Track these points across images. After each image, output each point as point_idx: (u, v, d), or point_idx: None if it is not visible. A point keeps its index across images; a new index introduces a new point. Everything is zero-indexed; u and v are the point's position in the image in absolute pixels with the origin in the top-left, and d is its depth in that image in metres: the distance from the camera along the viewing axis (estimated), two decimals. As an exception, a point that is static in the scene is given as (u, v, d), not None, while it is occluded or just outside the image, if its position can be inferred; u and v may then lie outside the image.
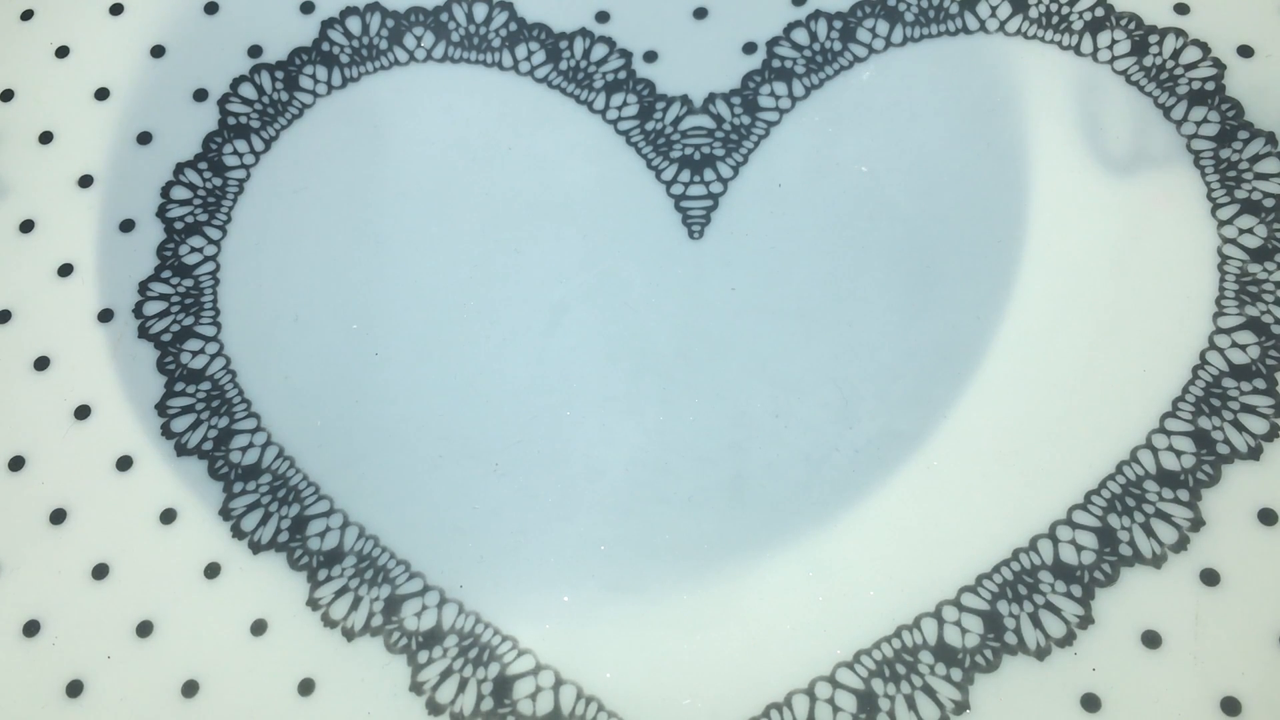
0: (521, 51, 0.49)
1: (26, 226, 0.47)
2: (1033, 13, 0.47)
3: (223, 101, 0.49)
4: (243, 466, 0.42)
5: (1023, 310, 0.43)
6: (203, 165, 0.48)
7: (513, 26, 0.49)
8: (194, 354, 0.44)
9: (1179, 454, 0.40)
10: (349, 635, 0.40)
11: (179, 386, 0.44)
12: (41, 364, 0.45)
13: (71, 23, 0.51)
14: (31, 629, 0.40)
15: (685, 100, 0.47)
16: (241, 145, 0.48)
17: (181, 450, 0.43)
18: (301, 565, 0.41)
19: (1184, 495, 0.39)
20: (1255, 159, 0.44)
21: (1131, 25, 0.47)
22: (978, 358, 0.42)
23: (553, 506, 0.41)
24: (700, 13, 0.49)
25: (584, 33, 0.49)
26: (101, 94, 0.50)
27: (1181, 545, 0.39)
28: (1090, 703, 0.37)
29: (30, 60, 0.51)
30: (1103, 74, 0.46)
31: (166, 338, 0.45)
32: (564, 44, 0.49)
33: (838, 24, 0.48)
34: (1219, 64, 0.46)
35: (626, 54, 0.48)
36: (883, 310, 0.43)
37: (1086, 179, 0.45)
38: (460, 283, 0.45)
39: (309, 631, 0.40)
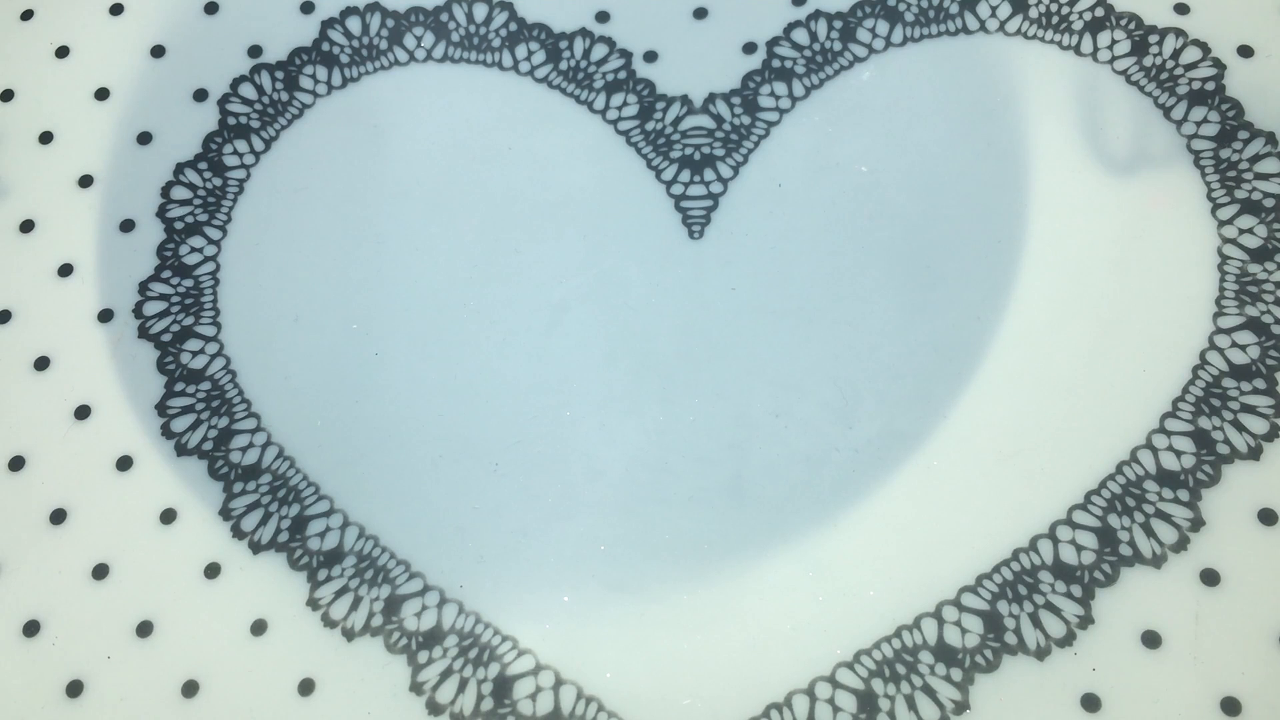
0: (521, 51, 0.49)
1: (26, 226, 0.47)
2: (1033, 13, 0.48)
3: (223, 101, 0.49)
4: (243, 466, 0.42)
5: (1023, 310, 0.43)
6: (203, 165, 0.48)
7: (513, 26, 0.49)
8: (194, 354, 0.44)
9: (1179, 454, 0.40)
10: (349, 635, 0.40)
11: (179, 386, 0.44)
12: (41, 364, 0.45)
13: (71, 23, 0.51)
14: (31, 629, 0.40)
15: (685, 100, 0.47)
16: (241, 145, 0.48)
17: (181, 450, 0.43)
18: (301, 565, 0.41)
19: (1184, 495, 0.39)
20: (1255, 159, 0.44)
21: (1131, 25, 0.47)
22: (978, 358, 0.42)
23: (553, 506, 0.41)
24: (700, 13, 0.49)
25: (584, 33, 0.49)
26: (101, 94, 0.50)
27: (1181, 545, 0.39)
28: (1090, 703, 0.37)
29: (30, 60, 0.51)
30: (1103, 74, 0.46)
31: (166, 338, 0.45)
32: (564, 44, 0.49)
33: (838, 24, 0.48)
34: (1219, 64, 0.46)
35: (626, 54, 0.48)
36: (883, 310, 0.43)
37: (1086, 179, 0.45)
38: (460, 283, 0.45)
39: (309, 631, 0.40)
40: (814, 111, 0.47)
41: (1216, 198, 0.44)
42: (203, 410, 0.43)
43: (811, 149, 0.46)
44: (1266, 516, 0.39)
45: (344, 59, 0.49)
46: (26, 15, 0.52)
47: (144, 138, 0.49)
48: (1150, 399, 0.41)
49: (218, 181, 0.47)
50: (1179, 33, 0.47)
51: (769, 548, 0.40)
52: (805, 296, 0.44)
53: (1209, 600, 0.38)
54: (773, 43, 0.48)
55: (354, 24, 0.50)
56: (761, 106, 0.47)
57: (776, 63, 0.48)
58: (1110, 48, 0.47)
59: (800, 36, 0.48)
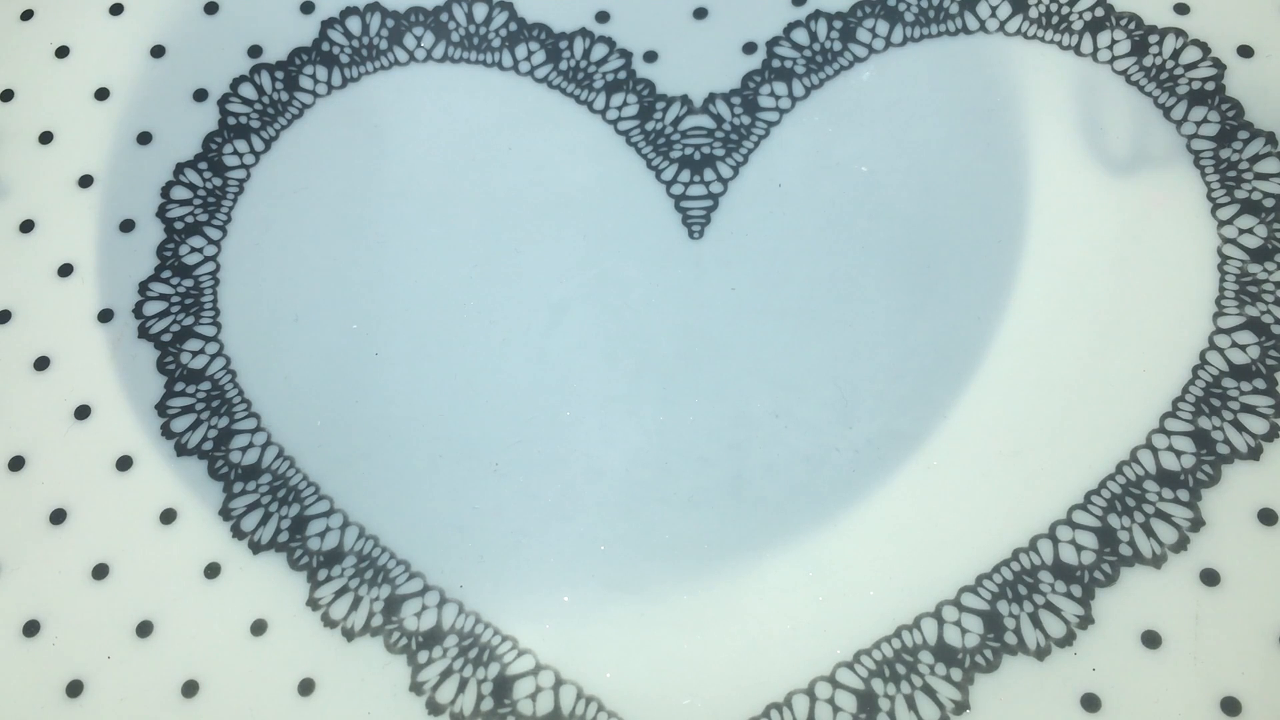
0: (521, 51, 0.49)
1: (26, 226, 0.47)
2: (1033, 13, 0.47)
3: (223, 101, 0.49)
4: (243, 466, 0.42)
5: (1023, 310, 0.43)
6: (203, 165, 0.48)
7: (513, 26, 0.49)
8: (194, 354, 0.44)
9: (1179, 454, 0.40)
10: (349, 635, 0.40)
11: (179, 386, 0.44)
12: (41, 364, 0.45)
13: (71, 23, 0.51)
14: (31, 629, 0.40)
15: (685, 100, 0.47)
16: (241, 145, 0.48)
17: (181, 450, 0.43)
18: (301, 565, 0.41)
19: (1184, 495, 0.39)
20: (1255, 159, 0.44)
21: (1131, 25, 0.47)
22: (978, 358, 0.42)
23: (553, 506, 0.41)
24: (700, 13, 0.49)
25: (584, 33, 0.49)
26: (101, 94, 0.50)
27: (1181, 545, 0.39)
28: (1090, 703, 0.37)
29: (30, 60, 0.51)
30: (1103, 74, 0.46)
31: (166, 338, 0.45)
32: (564, 44, 0.49)
33: (838, 24, 0.48)
34: (1219, 64, 0.46)
35: (626, 54, 0.48)
36: (883, 310, 0.43)
37: (1086, 179, 0.45)
38: (460, 283, 0.45)
39: (309, 631, 0.40)
40: (814, 111, 0.47)
41: (1216, 198, 0.44)
42: (203, 410, 0.43)
43: (811, 149, 0.46)
44: (1266, 516, 0.39)
45: (344, 59, 0.49)
46: (26, 15, 0.52)
47: (144, 138, 0.49)
48: (1150, 399, 0.41)
49: (218, 181, 0.47)
50: (1179, 33, 0.47)
51: (769, 548, 0.40)
52: (805, 296, 0.44)
53: (1209, 600, 0.38)
54: (773, 43, 0.48)
55: (354, 24, 0.50)
56: (761, 106, 0.47)
57: (776, 63, 0.48)
58: (1110, 48, 0.47)
59: (800, 36, 0.48)
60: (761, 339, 0.43)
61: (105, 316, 0.45)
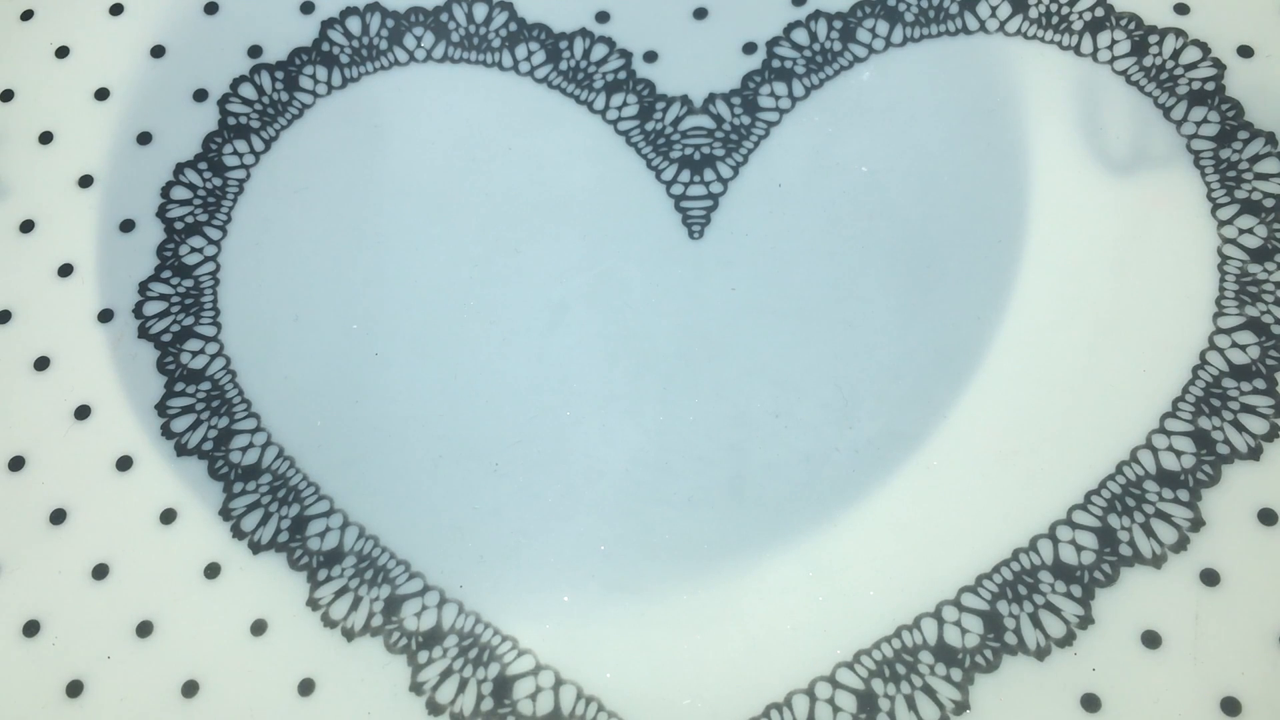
0: (521, 51, 0.49)
1: (26, 226, 0.47)
2: (1033, 13, 0.47)
3: (223, 101, 0.49)
4: (243, 466, 0.42)
5: (1023, 310, 0.43)
6: (203, 165, 0.48)
7: (513, 26, 0.49)
8: (194, 354, 0.44)
9: (1179, 454, 0.40)
10: (349, 635, 0.40)
11: (179, 386, 0.44)
12: (41, 364, 0.45)
13: (71, 23, 0.51)
14: (31, 629, 0.40)
15: (685, 100, 0.47)
16: (241, 145, 0.48)
17: (181, 450, 0.43)
18: (301, 565, 0.41)
19: (1184, 495, 0.39)
20: (1255, 159, 0.44)
21: (1131, 25, 0.47)
22: (978, 358, 0.42)
23: (553, 506, 0.41)
24: (700, 13, 0.49)
25: (584, 33, 0.49)
26: (101, 94, 0.50)
27: (1181, 545, 0.39)
28: (1090, 703, 0.37)
29: (30, 60, 0.51)
30: (1103, 74, 0.46)
31: (166, 338, 0.45)
32: (564, 44, 0.49)
33: (838, 24, 0.48)
34: (1219, 64, 0.46)
35: (626, 54, 0.48)
36: (883, 310, 0.43)
37: (1086, 179, 0.45)
38: (460, 283, 0.45)
39: (309, 631, 0.40)
40: (814, 111, 0.47)
41: (1216, 198, 0.44)
42: (203, 410, 0.43)
43: (811, 149, 0.46)
44: (1266, 516, 0.39)
45: (344, 59, 0.49)
46: (26, 15, 0.52)
47: (144, 138, 0.49)
48: (1150, 399, 0.41)
49: (218, 181, 0.47)
50: (1179, 33, 0.47)
51: (769, 548, 0.40)
52: (805, 296, 0.44)
53: (1209, 600, 0.38)
54: (773, 43, 0.48)
55: (354, 24, 0.50)
56: (761, 106, 0.47)
57: (776, 63, 0.48)
58: (1110, 48, 0.47)
59: (800, 36, 0.48)
60: (761, 339, 0.43)
61: (105, 316, 0.45)
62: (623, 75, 0.48)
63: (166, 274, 0.46)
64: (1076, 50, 0.47)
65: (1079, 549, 0.39)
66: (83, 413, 0.44)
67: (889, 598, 0.39)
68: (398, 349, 0.44)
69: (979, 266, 0.44)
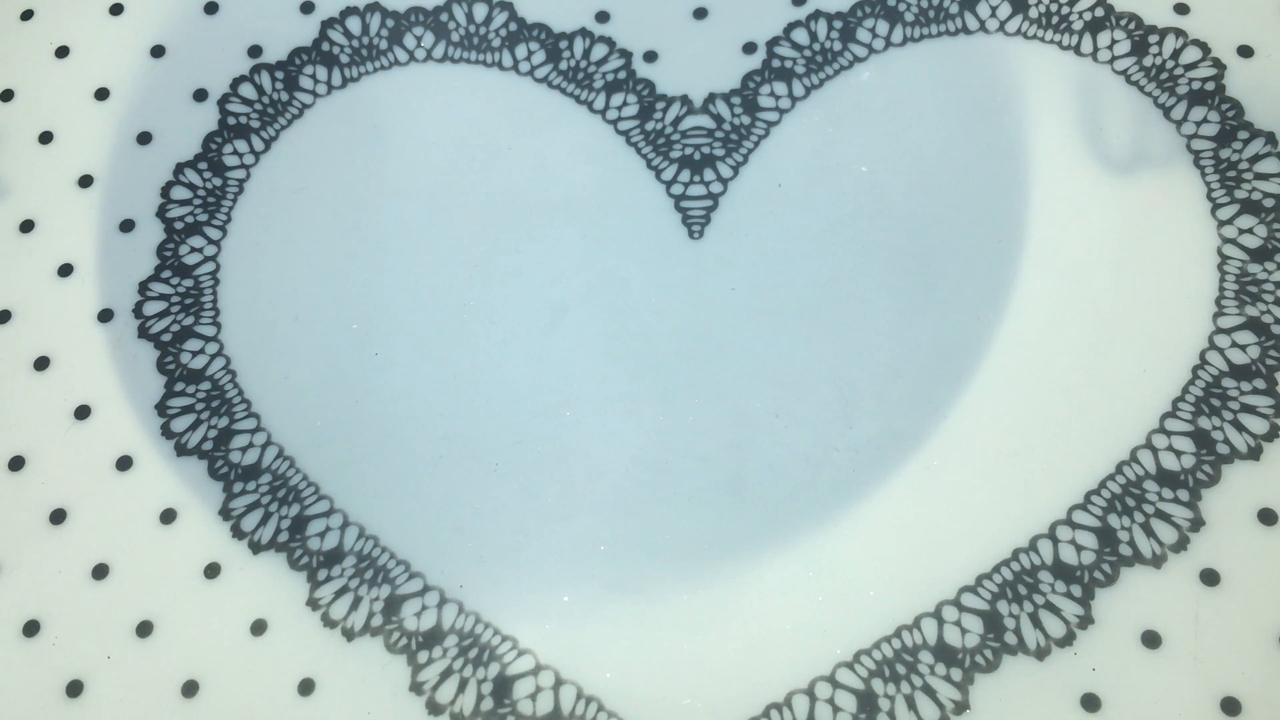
0: (521, 51, 0.49)
1: (26, 226, 0.47)
2: (1033, 13, 0.47)
3: (223, 101, 0.49)
4: (243, 466, 0.42)
5: (1023, 310, 0.43)
6: (203, 165, 0.48)
7: (513, 26, 0.49)
8: (194, 354, 0.44)
9: (1179, 454, 0.40)
10: (349, 635, 0.40)
11: (179, 386, 0.44)
12: (41, 364, 0.45)
13: (71, 23, 0.51)
14: (31, 629, 0.40)
15: (685, 100, 0.47)
16: (241, 145, 0.48)
17: (181, 450, 0.43)
18: (301, 565, 0.41)
19: (1184, 495, 0.39)
20: (1255, 159, 0.44)
21: (1131, 25, 0.47)
22: (978, 358, 0.42)
23: (553, 506, 0.41)
24: (700, 13, 0.49)
25: (584, 33, 0.49)
26: (101, 94, 0.50)
27: (1181, 545, 0.39)
28: (1090, 703, 0.37)
29: (30, 60, 0.51)
30: (1103, 74, 0.46)
31: (166, 338, 0.45)
32: (564, 44, 0.49)
33: (838, 24, 0.48)
34: (1219, 64, 0.46)
35: (626, 54, 0.48)
36: (883, 310, 0.43)
37: (1086, 179, 0.45)
38: (460, 283, 0.45)
39: (309, 631, 0.40)
40: (814, 111, 0.47)
41: (1216, 198, 0.44)
42: (203, 410, 0.43)
43: (811, 149, 0.46)
44: (1266, 516, 0.39)
45: (344, 59, 0.49)
46: (26, 15, 0.52)
47: (144, 138, 0.49)
48: (1150, 399, 0.41)
49: (218, 181, 0.47)
50: (1179, 33, 0.47)
51: (769, 548, 0.40)
52: (805, 296, 0.44)
53: (1209, 600, 0.38)
54: (773, 43, 0.48)
55: (354, 24, 0.50)
56: (761, 106, 0.47)
57: (776, 63, 0.48)
58: (1110, 48, 0.47)
59: (800, 36, 0.48)
60: (761, 339, 0.43)
61: (105, 316, 0.45)
62: (623, 75, 0.48)
63: (166, 274, 0.46)
64: (1076, 50, 0.47)
65: (1079, 549, 0.39)
66: (83, 413, 0.44)
67: (889, 598, 0.39)
68: (398, 349, 0.44)
69: (979, 266, 0.43)
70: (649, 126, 0.47)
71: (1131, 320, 0.42)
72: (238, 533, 0.41)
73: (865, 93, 0.47)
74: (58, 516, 0.42)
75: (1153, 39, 0.47)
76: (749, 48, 0.48)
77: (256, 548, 0.41)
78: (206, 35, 0.50)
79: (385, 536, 0.41)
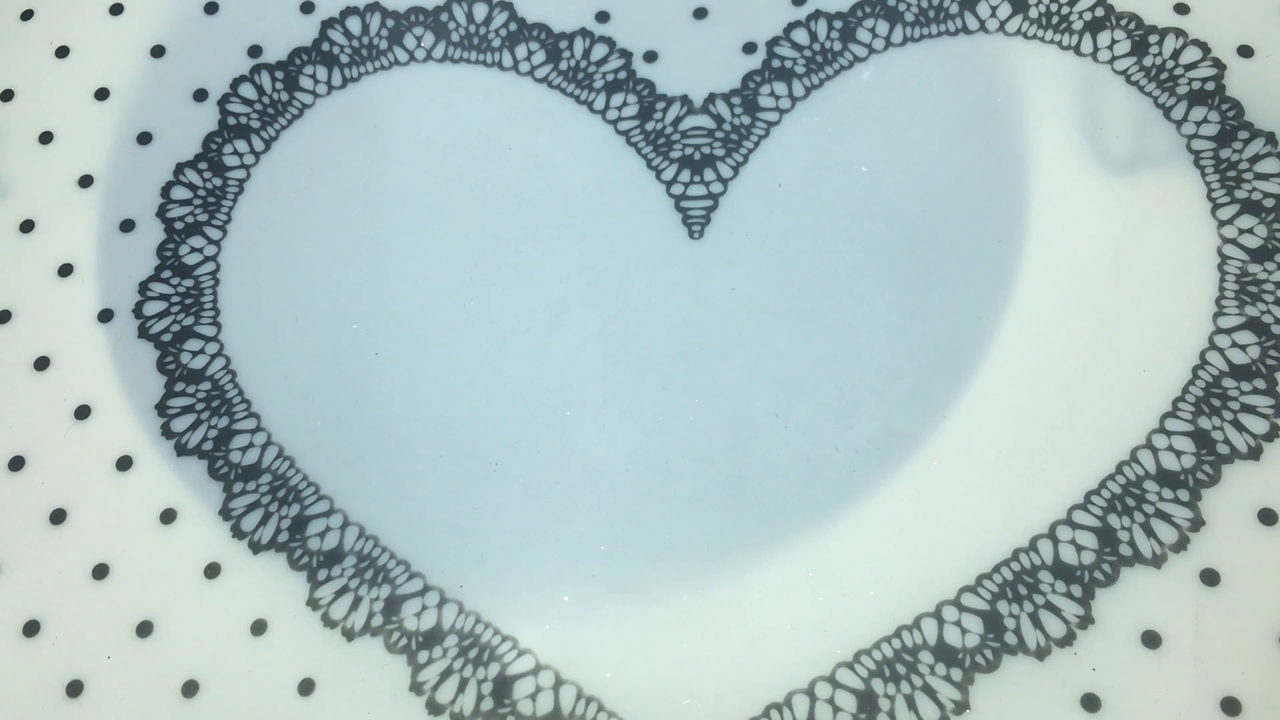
0: (521, 51, 0.49)
1: (26, 226, 0.47)
2: (1033, 13, 0.48)
3: (223, 101, 0.49)
4: (243, 466, 0.42)
5: (1023, 310, 0.43)
6: (203, 165, 0.48)
7: (513, 26, 0.49)
8: (194, 354, 0.44)
9: (1179, 454, 0.40)
10: (349, 635, 0.40)
11: (179, 386, 0.44)
12: (41, 364, 0.45)
13: (71, 23, 0.51)
14: (31, 629, 0.40)
15: (685, 100, 0.47)
16: (241, 145, 0.48)
17: (181, 450, 0.43)
18: (301, 565, 0.41)
19: (1184, 495, 0.39)
20: (1255, 159, 0.44)
21: (1131, 25, 0.47)
22: (978, 358, 0.42)
23: (553, 506, 0.41)
24: (700, 13, 0.49)
25: (584, 33, 0.49)
26: (101, 94, 0.50)
27: (1181, 545, 0.39)
28: (1090, 703, 0.37)
29: (30, 60, 0.51)
30: (1103, 74, 0.46)
31: (166, 338, 0.45)
32: (564, 44, 0.49)
33: (838, 24, 0.48)
34: (1219, 64, 0.46)
35: (626, 54, 0.48)
36: (883, 310, 0.43)
37: (1086, 179, 0.45)
38: (460, 283, 0.45)
39: (309, 631, 0.40)
40: (814, 111, 0.47)
41: (1216, 198, 0.44)
42: (203, 410, 0.43)
43: (811, 149, 0.46)
44: (1266, 516, 0.39)
45: (344, 59, 0.49)
46: (26, 15, 0.52)
47: (144, 138, 0.49)
48: (1150, 399, 0.41)
49: (218, 181, 0.47)
50: (1179, 33, 0.47)
51: (769, 548, 0.40)
52: (805, 296, 0.44)
53: (1209, 600, 0.38)
54: (773, 43, 0.48)
55: (354, 24, 0.50)
56: (761, 106, 0.47)
57: (776, 63, 0.48)
58: (1110, 48, 0.47)
59: (800, 36, 0.48)
60: (761, 339, 0.43)
61: (105, 316, 0.45)
62: (623, 75, 0.48)
63: (166, 274, 0.46)
64: (1076, 50, 0.47)
65: (1079, 549, 0.39)
66: (83, 413, 0.44)
67: (889, 598, 0.39)
68: (398, 349, 0.44)
69: (979, 266, 0.44)
70: (649, 126, 0.47)
71: (1131, 320, 0.42)
72: (238, 533, 0.41)
73: (865, 93, 0.47)
74: (58, 516, 0.42)
75: (1153, 39, 0.47)
76: (749, 48, 0.48)
77: (256, 548, 0.41)
78: (206, 35, 0.50)
79: (385, 536, 0.41)
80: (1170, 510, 0.39)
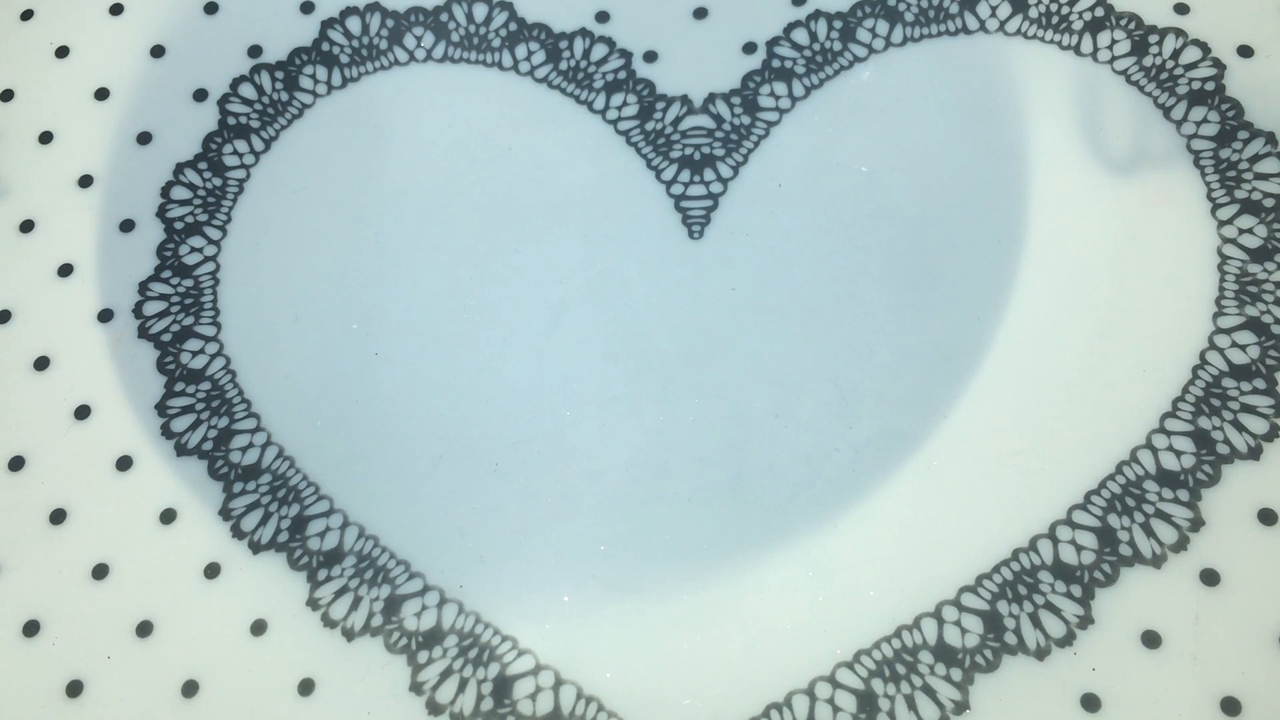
0: (521, 51, 0.49)
1: (26, 226, 0.47)
2: (1033, 13, 0.48)
3: (223, 101, 0.49)
4: (243, 466, 0.42)
5: (1023, 310, 0.43)
6: (203, 165, 0.48)
7: (513, 26, 0.49)
8: (194, 354, 0.44)
9: (1179, 454, 0.40)
10: (349, 635, 0.40)
11: (179, 386, 0.44)
12: (41, 364, 0.45)
13: (71, 23, 0.51)
14: (31, 629, 0.40)
15: (685, 100, 0.47)
16: (241, 145, 0.48)
17: (181, 450, 0.43)
18: (301, 565, 0.41)
19: (1184, 495, 0.39)
20: (1255, 159, 0.44)
21: (1131, 25, 0.47)
22: (978, 358, 0.42)
23: (553, 506, 0.41)
24: (700, 13, 0.49)
25: (584, 33, 0.49)
26: (101, 94, 0.50)
27: (1181, 545, 0.39)
28: (1090, 703, 0.37)
29: (30, 60, 0.51)
30: (1103, 74, 0.46)
31: (166, 338, 0.45)
32: (564, 44, 0.49)
33: (838, 24, 0.48)
34: (1219, 64, 0.46)
35: (626, 54, 0.48)
36: (883, 310, 0.43)
37: (1086, 179, 0.45)
38: (460, 283, 0.45)
39: (309, 631, 0.40)
40: (814, 111, 0.47)
41: (1216, 198, 0.44)
42: (203, 410, 0.43)
43: (811, 149, 0.46)
44: (1266, 516, 0.39)
45: (344, 59, 0.49)
46: (26, 15, 0.52)
47: (144, 138, 0.49)
48: (1150, 399, 0.41)
49: (218, 181, 0.47)
50: (1179, 33, 0.47)
51: (769, 548, 0.40)
52: (805, 296, 0.44)
53: (1209, 600, 0.38)
54: (773, 43, 0.48)
55: (354, 24, 0.50)
56: (761, 106, 0.47)
57: (776, 63, 0.48)
58: (1110, 48, 0.47)
59: (800, 36, 0.48)
60: (761, 339, 0.43)
61: (105, 316, 0.45)
62: (623, 75, 0.48)
63: (166, 274, 0.46)
64: (1076, 50, 0.47)
65: (1079, 549, 0.39)
66: (83, 413, 0.44)
67: (889, 598, 0.39)
68: (398, 349, 0.44)
69: (979, 266, 0.44)
70: (649, 126, 0.47)
71: (1131, 320, 0.42)
72: (238, 533, 0.41)
73: (865, 93, 0.47)
74: (58, 516, 0.42)
75: (1153, 39, 0.47)
76: (749, 48, 0.48)
77: (256, 548, 0.41)
78: (206, 35, 0.50)
79: (385, 536, 0.41)
80: (1170, 510, 0.39)
